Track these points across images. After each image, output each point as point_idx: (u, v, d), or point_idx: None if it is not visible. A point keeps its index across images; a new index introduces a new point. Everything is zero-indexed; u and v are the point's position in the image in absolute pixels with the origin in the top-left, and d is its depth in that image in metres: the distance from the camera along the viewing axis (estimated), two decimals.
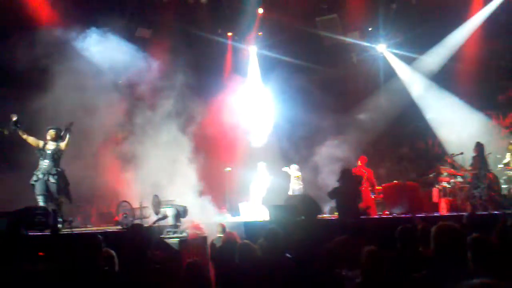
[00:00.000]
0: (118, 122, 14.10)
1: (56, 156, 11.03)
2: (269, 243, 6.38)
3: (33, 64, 12.72)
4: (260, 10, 18.69)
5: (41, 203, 10.76)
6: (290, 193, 15.21)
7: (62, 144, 11.08)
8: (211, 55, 18.74)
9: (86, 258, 5.74)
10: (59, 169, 11.04)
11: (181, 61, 15.32)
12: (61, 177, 11.05)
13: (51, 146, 11.03)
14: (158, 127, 14.02)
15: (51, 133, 11.09)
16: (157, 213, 11.43)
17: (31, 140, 11.03)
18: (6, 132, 10.98)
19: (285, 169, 15.39)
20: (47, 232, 9.71)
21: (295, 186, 15.10)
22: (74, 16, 14.41)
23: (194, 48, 17.56)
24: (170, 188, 12.80)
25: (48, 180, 10.88)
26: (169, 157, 13.56)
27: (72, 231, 10.68)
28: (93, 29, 14.24)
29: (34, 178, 10.94)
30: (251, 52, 19.62)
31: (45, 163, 10.94)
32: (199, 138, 15.14)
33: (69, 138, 11.10)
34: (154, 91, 14.51)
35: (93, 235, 9.27)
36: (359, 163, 14.72)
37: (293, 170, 15.23)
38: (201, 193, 13.39)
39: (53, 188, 10.90)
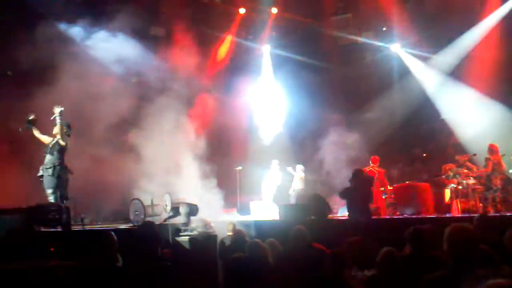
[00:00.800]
0: (129, 119, 14.14)
1: (54, 150, 10.93)
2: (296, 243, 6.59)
3: (40, 61, 12.79)
4: (274, 10, 18.73)
5: (50, 197, 10.81)
6: (291, 192, 15.21)
7: (59, 139, 10.96)
8: (224, 53, 18.82)
9: (100, 255, 5.81)
10: (55, 164, 10.91)
11: (193, 60, 15.37)
12: (57, 171, 10.94)
13: (49, 140, 11.02)
14: (168, 125, 14.07)
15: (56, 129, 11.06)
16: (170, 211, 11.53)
17: (44, 138, 11.07)
18: (20, 130, 11.05)
19: (289, 169, 15.36)
20: (59, 229, 9.80)
21: (297, 186, 15.08)
22: (85, 14, 14.52)
23: (206, 46, 17.62)
24: (180, 186, 12.86)
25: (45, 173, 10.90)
26: (179, 154, 13.62)
27: (84, 227, 10.80)
28: (103, 30, 14.36)
29: (40, 172, 11.00)
30: (265, 51, 19.67)
31: (46, 158, 10.97)
32: (210, 136, 15.20)
33: (61, 131, 10.96)
34: (165, 89, 14.56)
35: (106, 232, 9.38)
36: (371, 163, 14.67)
37: (298, 171, 15.20)
38: (212, 192, 13.43)
39: (46, 181, 10.88)
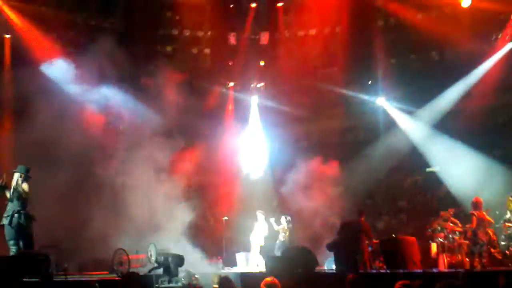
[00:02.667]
0: (114, 167, 14.09)
1: (13, 197, 10.54)
2: None
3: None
4: (262, 63, 19.18)
5: (12, 248, 10.38)
6: (277, 242, 15.05)
7: (18, 185, 10.63)
8: (212, 103, 19.06)
9: None
10: (14, 211, 10.51)
11: (182, 108, 15.55)
12: (16, 220, 10.53)
13: (18, 188, 10.66)
14: (153, 174, 14.06)
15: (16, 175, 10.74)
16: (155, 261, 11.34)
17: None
18: None
19: (272, 221, 15.25)
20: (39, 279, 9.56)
21: (281, 237, 14.95)
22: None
23: (196, 96, 17.86)
24: (165, 236, 12.73)
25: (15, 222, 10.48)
26: (164, 204, 13.55)
27: (67, 278, 10.55)
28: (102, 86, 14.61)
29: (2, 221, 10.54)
30: (253, 101, 19.96)
31: (7, 206, 10.57)
32: (196, 185, 15.22)
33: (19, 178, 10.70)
34: (152, 138, 14.60)
35: (91, 284, 9.19)
36: (357, 215, 14.66)
37: (283, 222, 15.11)
38: (197, 242, 13.32)
39: (6, 231, 10.48)
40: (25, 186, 10.45)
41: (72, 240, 12.76)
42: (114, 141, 14.32)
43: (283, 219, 15.07)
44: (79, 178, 13.68)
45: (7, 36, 15.51)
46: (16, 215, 10.28)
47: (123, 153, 14.23)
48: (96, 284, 5.96)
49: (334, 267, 12.45)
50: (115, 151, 14.09)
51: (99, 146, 14.01)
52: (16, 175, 10.52)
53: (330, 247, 11.37)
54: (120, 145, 14.30)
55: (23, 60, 14.42)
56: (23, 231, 10.35)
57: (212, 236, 14.56)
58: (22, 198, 10.37)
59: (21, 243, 10.33)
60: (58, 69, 14.53)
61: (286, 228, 14.78)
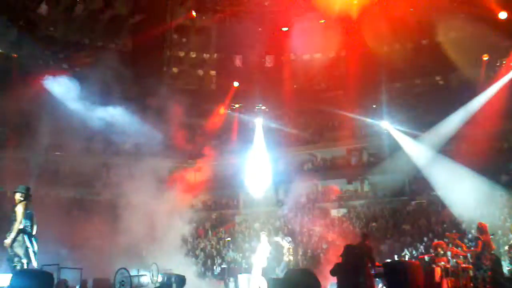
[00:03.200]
0: (116, 186, 14.12)
1: (13, 218, 10.54)
2: None
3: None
4: (265, 86, 19.32)
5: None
6: (281, 264, 14.90)
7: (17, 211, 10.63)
8: (217, 124, 19.18)
9: None
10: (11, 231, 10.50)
11: (187, 129, 15.65)
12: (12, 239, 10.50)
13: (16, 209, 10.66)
14: (156, 192, 14.08)
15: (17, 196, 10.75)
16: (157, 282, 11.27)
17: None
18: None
19: (277, 239, 15.18)
20: None
21: (286, 258, 14.83)
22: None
23: (201, 117, 17.99)
24: (167, 256, 12.70)
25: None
26: (166, 223, 13.54)
27: None
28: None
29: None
30: (257, 123, 20.07)
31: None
32: (200, 205, 15.20)
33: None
34: (154, 158, 14.65)
35: None
36: (360, 237, 14.58)
37: (285, 243, 15.03)
38: (200, 262, 13.25)
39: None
40: (19, 208, 10.42)
41: (74, 259, 12.70)
42: (117, 160, 14.40)
43: (284, 241, 14.99)
44: (81, 197, 13.75)
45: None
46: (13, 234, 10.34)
47: (126, 171, 14.29)
48: None
49: None
50: (119, 169, 14.15)
51: (103, 164, 14.08)
52: (17, 195, 10.53)
53: (334, 271, 11.24)
54: (124, 163, 14.37)
55: (28, 79, 14.59)
56: (23, 250, 10.37)
57: (214, 256, 14.46)
58: (17, 217, 10.38)
59: (22, 261, 10.33)
60: (62, 86, 14.74)
61: (290, 247, 14.69)
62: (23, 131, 13.86)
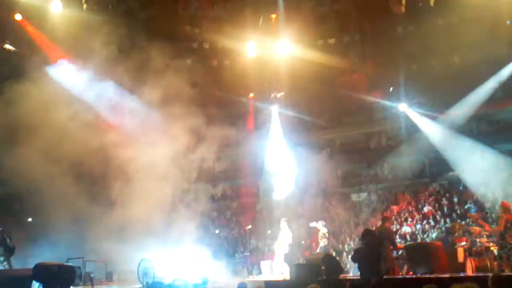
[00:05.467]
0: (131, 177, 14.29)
1: None
2: None
3: None
4: (282, 70, 19.22)
5: None
6: (318, 250, 14.86)
7: None
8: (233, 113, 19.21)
9: None
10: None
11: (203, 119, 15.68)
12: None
13: None
14: (177, 182, 14.20)
15: None
16: None
17: None
18: None
19: (314, 224, 15.15)
20: None
21: (322, 243, 14.80)
22: None
23: (217, 107, 17.99)
24: (188, 247, 12.84)
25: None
26: (187, 213, 13.67)
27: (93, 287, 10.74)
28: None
29: None
30: (273, 111, 20.05)
31: None
32: (220, 194, 15.29)
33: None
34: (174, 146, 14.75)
35: None
36: (381, 221, 14.53)
37: (320, 226, 14.99)
38: (222, 251, 13.36)
39: None
40: None
41: (98, 252, 12.92)
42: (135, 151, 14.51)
43: (320, 223, 14.97)
44: (100, 190, 13.94)
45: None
46: None
47: (144, 163, 14.41)
48: None
49: (359, 273, 12.33)
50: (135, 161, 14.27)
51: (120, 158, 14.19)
52: None
53: (354, 257, 11.26)
54: (143, 155, 14.48)
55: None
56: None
57: (237, 244, 14.58)
58: None
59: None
60: (67, 73, 14.99)
61: (326, 232, 14.70)
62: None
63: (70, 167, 13.85)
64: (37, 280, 9.43)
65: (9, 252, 10.98)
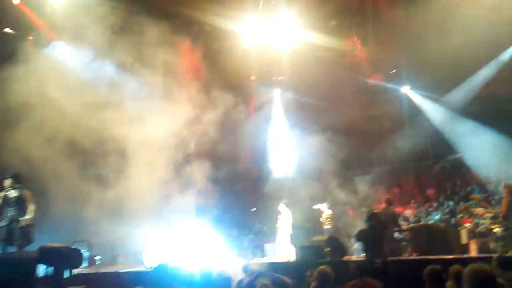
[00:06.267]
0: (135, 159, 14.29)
1: (21, 203, 10.86)
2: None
3: None
4: (283, 53, 19.08)
5: None
6: (325, 231, 14.86)
7: (28, 195, 10.90)
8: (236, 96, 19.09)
9: None
10: (23, 215, 10.85)
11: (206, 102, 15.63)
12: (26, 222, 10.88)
13: (13, 193, 10.93)
14: (180, 164, 14.21)
15: (7, 182, 11.00)
16: None
17: None
18: None
19: (317, 206, 15.16)
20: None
21: (326, 225, 14.83)
22: None
23: (219, 90, 17.91)
24: (192, 228, 12.88)
25: (13, 227, 10.75)
26: (190, 196, 13.69)
27: (98, 270, 10.79)
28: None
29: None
30: (275, 94, 19.99)
31: (10, 211, 10.84)
32: (224, 176, 15.29)
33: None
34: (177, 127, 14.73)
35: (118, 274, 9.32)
36: (384, 204, 14.59)
37: (324, 208, 15.01)
38: (226, 233, 13.41)
39: (18, 233, 10.77)
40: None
41: (103, 234, 12.95)
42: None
43: (324, 206, 14.97)
44: (104, 171, 13.93)
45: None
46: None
47: (144, 141, 14.41)
48: (127, 275, 6.06)
49: (363, 255, 12.41)
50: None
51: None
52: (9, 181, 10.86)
53: (358, 237, 11.33)
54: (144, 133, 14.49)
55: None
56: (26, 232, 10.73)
57: (241, 226, 14.64)
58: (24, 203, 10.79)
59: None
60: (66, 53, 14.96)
61: (330, 214, 14.72)
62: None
63: (68, 146, 13.81)
64: (43, 263, 9.44)
65: (27, 241, 10.98)
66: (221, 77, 18.82)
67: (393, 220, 13.55)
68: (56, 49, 15.61)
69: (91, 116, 14.19)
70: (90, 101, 14.33)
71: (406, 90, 19.21)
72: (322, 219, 14.78)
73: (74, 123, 13.88)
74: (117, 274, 10.49)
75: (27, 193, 10.76)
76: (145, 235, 12.96)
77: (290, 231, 14.97)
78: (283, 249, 14.59)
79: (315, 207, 15.18)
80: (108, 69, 15.30)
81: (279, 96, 19.99)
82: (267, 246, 14.94)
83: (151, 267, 11.10)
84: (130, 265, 13.07)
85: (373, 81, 19.43)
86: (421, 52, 19.15)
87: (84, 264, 10.31)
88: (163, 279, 6.27)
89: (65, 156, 13.69)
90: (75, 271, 9.91)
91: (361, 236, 11.30)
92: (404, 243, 13.77)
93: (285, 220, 15.48)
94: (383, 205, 14.55)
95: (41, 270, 9.04)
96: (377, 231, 11.30)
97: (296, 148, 18.93)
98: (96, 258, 11.26)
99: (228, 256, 12.65)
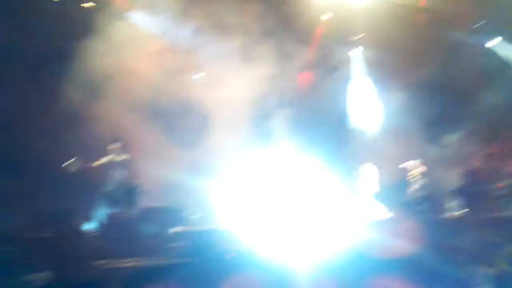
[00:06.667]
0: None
1: (126, 166, 11.09)
2: None
3: None
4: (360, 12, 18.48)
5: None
6: (411, 192, 14.50)
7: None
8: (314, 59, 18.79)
9: None
10: (128, 178, 11.08)
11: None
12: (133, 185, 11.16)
13: (119, 158, 11.15)
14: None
15: (113, 146, 11.21)
16: None
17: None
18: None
19: (407, 163, 14.76)
20: None
21: (417, 183, 14.45)
22: None
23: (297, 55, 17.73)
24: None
25: (120, 189, 11.01)
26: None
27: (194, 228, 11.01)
28: None
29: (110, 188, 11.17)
30: (354, 53, 19.46)
31: (117, 174, 11.09)
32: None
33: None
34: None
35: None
36: (483, 159, 14.05)
37: (415, 166, 14.60)
38: None
39: (124, 195, 11.02)
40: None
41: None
42: None
43: (414, 164, 14.58)
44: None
45: None
46: None
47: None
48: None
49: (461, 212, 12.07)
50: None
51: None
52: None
53: (458, 194, 11.07)
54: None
55: None
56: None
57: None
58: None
59: None
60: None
61: (421, 172, 14.37)
62: None
63: (153, 112, 14.14)
64: (148, 222, 9.79)
65: (133, 203, 11.37)
66: (296, 40, 18.55)
67: (491, 176, 13.05)
68: (133, 19, 15.82)
69: (172, 81, 14.45)
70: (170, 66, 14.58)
71: (493, 43, 18.23)
72: (414, 175, 14.40)
73: (157, 89, 14.18)
74: (211, 231, 10.70)
75: (129, 158, 11.15)
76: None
77: (378, 189, 14.71)
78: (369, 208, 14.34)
79: (405, 165, 14.81)
80: (185, 33, 15.46)
81: (358, 55, 19.46)
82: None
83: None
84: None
85: (457, 35, 18.55)
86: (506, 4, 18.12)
87: (183, 223, 10.56)
88: None
89: (151, 121, 14.05)
90: (175, 229, 10.23)
91: (461, 193, 11.08)
92: (503, 200, 13.21)
93: (369, 180, 15.22)
94: (479, 161, 14.02)
95: (146, 228, 9.37)
96: (476, 188, 11.05)
97: (379, 106, 18.48)
98: (192, 217, 11.48)
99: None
